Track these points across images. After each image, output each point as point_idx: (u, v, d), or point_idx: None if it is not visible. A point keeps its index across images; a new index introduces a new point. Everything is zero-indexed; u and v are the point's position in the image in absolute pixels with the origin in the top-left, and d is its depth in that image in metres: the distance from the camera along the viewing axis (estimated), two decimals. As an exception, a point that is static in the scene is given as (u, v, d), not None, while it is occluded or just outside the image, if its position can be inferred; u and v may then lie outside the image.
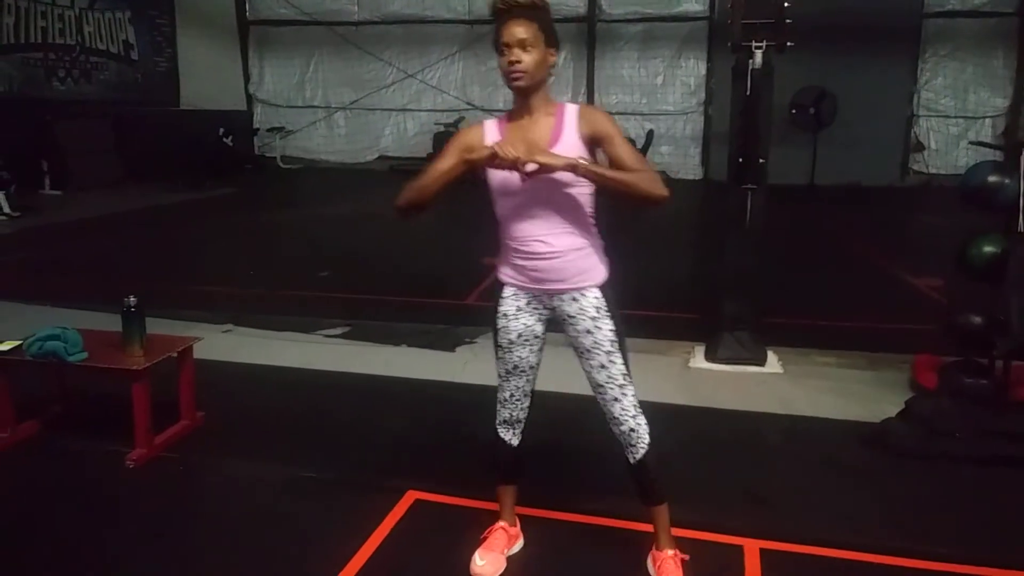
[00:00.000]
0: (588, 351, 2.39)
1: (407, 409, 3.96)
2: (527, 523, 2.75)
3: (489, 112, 15.78)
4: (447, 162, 2.29)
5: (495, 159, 2.15)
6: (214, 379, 3.98)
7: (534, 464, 2.76)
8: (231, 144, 15.23)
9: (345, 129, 16.86)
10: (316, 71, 16.79)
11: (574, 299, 2.36)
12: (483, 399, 4.01)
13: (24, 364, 3.34)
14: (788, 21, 4.24)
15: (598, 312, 2.36)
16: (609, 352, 2.38)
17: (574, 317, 2.38)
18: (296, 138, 16.90)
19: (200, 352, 3.69)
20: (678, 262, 7.98)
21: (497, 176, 2.28)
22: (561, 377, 3.12)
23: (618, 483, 2.86)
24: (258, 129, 16.98)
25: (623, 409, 2.42)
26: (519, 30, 2.21)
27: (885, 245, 8.65)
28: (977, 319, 3.76)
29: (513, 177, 2.21)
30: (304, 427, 3.75)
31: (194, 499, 3.11)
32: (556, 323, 2.47)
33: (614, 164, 2.23)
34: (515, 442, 2.61)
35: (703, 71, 14.93)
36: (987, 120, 14.08)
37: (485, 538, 2.64)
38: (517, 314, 2.44)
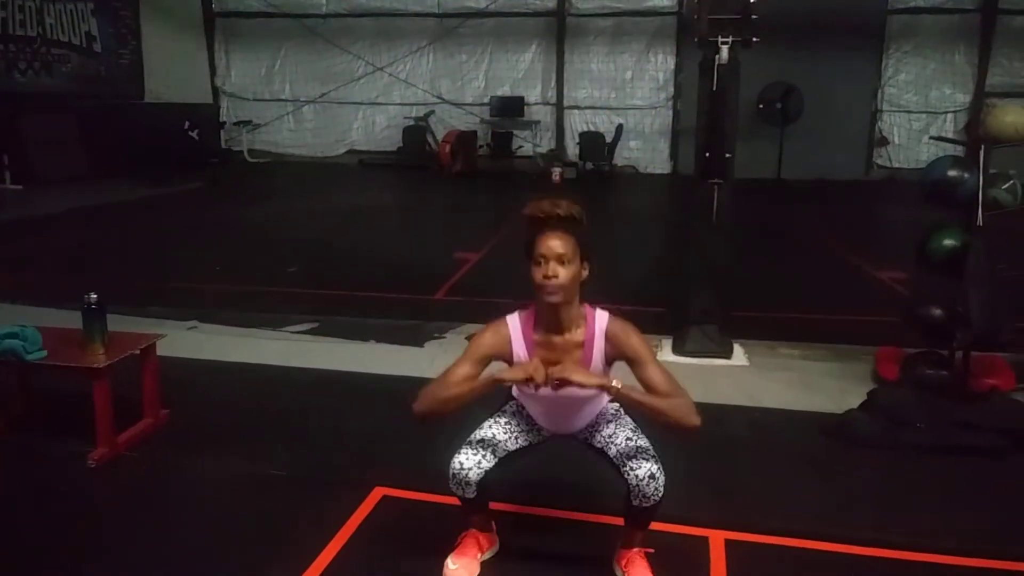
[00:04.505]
0: (613, 433, 2.45)
1: (375, 405, 3.93)
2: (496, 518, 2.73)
3: (458, 107, 15.75)
4: (469, 369, 2.25)
5: (530, 382, 2.15)
6: (179, 376, 3.94)
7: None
8: (197, 138, 15.01)
9: (313, 123, 16.66)
10: (284, 64, 16.57)
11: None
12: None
13: (-18, 363, 3.27)
14: (754, 17, 4.28)
15: (617, 411, 2.52)
16: (634, 428, 2.46)
17: (594, 425, 2.51)
18: (263, 132, 16.69)
19: (165, 349, 3.64)
20: (646, 256, 8.02)
21: (524, 388, 2.34)
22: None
23: (588, 478, 2.87)
24: (225, 123, 16.74)
25: (651, 475, 2.28)
26: (557, 244, 2.18)
27: (850, 238, 8.77)
28: (937, 311, 3.84)
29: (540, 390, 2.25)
30: (270, 424, 3.71)
31: (158, 498, 3.06)
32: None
33: (646, 387, 2.22)
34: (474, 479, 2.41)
35: (672, 66, 15.02)
36: (949, 115, 14.31)
37: (458, 544, 2.56)
38: (527, 418, 2.56)
